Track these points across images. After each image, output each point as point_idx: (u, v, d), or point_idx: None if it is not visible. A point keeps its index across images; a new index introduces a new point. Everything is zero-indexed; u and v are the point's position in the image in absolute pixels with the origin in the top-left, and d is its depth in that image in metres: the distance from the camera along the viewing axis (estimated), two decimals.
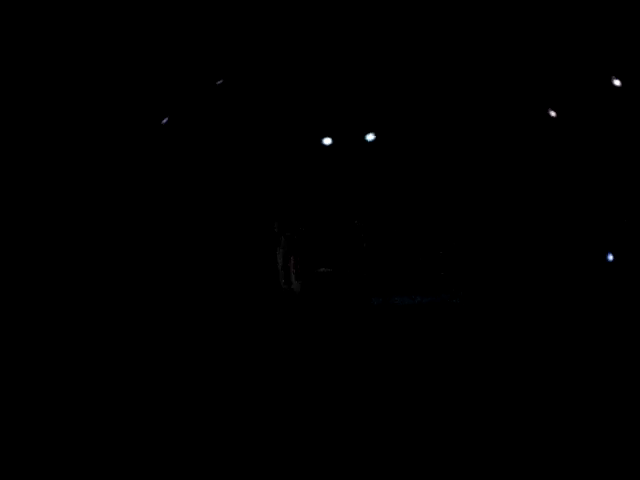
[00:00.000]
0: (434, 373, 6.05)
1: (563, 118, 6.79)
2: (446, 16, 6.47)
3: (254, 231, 6.92)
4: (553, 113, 6.67)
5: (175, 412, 5.71)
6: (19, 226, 6.19)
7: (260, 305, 6.95)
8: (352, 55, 6.43)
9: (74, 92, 6.28)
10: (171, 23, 6.19)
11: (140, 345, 6.45)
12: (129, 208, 6.71)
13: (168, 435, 5.16)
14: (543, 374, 6.01)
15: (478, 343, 6.63)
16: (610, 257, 5.96)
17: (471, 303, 7.51)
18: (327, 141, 6.42)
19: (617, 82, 6.54)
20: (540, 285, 6.86)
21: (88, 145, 6.43)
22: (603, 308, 6.62)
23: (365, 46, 6.54)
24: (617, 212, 7.11)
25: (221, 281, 6.98)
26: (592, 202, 7.00)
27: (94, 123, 6.39)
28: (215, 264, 7.05)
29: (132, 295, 6.70)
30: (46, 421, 5.12)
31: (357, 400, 5.73)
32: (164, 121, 5.96)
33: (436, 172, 6.98)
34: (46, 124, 6.34)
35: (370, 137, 7.05)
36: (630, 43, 6.51)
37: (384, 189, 7.10)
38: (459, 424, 5.25)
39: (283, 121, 6.64)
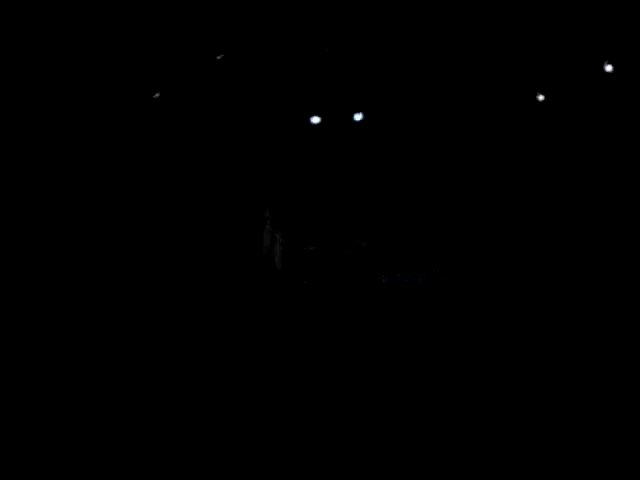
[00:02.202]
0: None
1: (555, 110, 6.81)
2: (440, 9, 6.48)
3: (244, 215, 6.97)
4: (541, 97, 6.66)
5: (166, 392, 5.65)
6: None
7: (256, 287, 6.97)
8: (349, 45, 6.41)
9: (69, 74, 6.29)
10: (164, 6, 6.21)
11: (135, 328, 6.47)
12: (118, 191, 6.78)
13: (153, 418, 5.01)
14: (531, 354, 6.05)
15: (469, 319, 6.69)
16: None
17: (461, 281, 7.59)
18: (315, 120, 6.51)
19: (609, 68, 6.47)
20: (523, 270, 6.96)
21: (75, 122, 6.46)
22: (592, 293, 6.66)
23: (360, 36, 6.56)
24: (604, 201, 7.11)
25: (212, 264, 7.04)
26: (580, 192, 7.03)
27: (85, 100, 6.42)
28: (206, 249, 7.11)
29: (126, 278, 6.74)
30: (45, 419, 4.91)
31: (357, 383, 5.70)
32: (156, 95, 6.05)
33: (429, 155, 7.05)
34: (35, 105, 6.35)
35: (358, 117, 7.11)
36: (624, 38, 6.46)
37: (380, 174, 7.19)
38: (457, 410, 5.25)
39: (270, 105, 6.73)
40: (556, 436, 4.52)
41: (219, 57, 6.51)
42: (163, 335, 6.73)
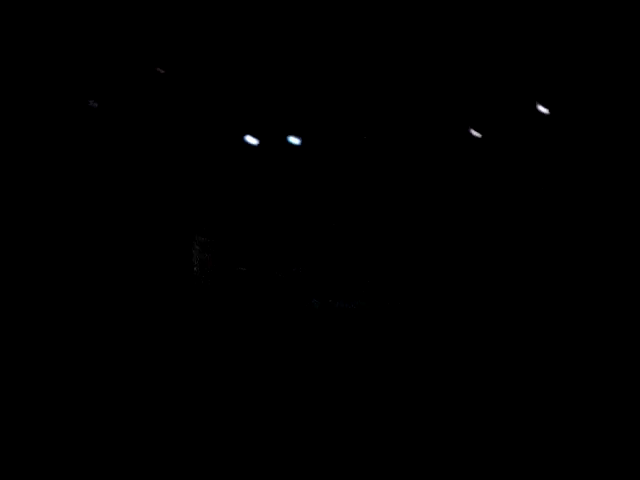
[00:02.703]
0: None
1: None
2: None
3: (171, 234, 6.90)
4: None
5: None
6: None
7: (179, 303, 6.89)
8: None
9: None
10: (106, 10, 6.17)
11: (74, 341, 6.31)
12: (48, 200, 6.61)
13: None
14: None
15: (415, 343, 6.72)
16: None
17: (405, 307, 7.61)
18: (252, 140, 6.54)
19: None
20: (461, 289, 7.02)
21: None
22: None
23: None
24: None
25: (139, 281, 6.93)
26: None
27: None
28: (132, 265, 6.99)
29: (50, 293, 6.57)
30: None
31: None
32: (92, 104, 5.99)
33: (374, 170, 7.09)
34: None
35: (295, 140, 7.17)
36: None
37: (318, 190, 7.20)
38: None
39: (202, 122, 6.69)
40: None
41: (162, 71, 6.50)
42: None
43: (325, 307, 8.88)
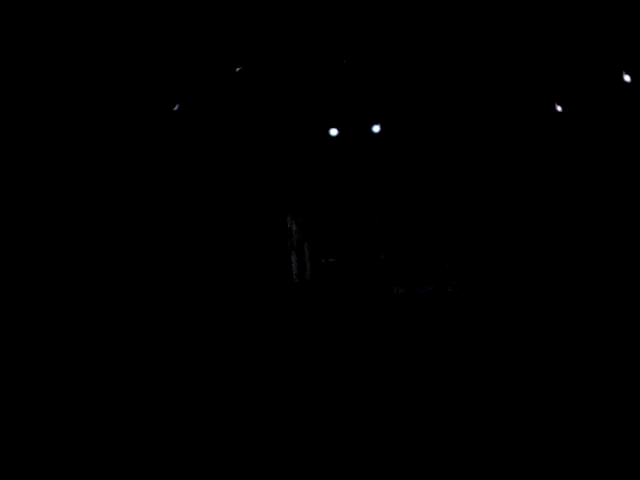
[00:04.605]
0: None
1: (570, 114, 6.85)
2: (456, 13, 6.54)
3: (266, 225, 6.97)
4: (559, 108, 6.71)
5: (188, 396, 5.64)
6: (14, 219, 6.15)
7: (275, 296, 6.98)
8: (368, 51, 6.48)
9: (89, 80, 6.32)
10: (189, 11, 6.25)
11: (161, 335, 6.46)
12: (139, 200, 6.77)
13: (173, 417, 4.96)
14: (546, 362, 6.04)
15: (486, 330, 6.67)
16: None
17: (479, 293, 7.59)
18: (334, 132, 6.55)
19: (627, 78, 6.55)
20: (539, 278, 6.97)
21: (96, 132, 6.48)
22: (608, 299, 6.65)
23: (377, 41, 6.62)
24: (623, 208, 7.14)
25: (235, 274, 7.03)
26: (600, 198, 7.04)
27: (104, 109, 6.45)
28: (228, 257, 7.10)
29: (148, 289, 6.72)
30: (46, 418, 4.84)
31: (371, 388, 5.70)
32: (176, 107, 6.08)
33: (446, 164, 7.09)
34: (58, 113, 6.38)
35: (376, 128, 7.15)
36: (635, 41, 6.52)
37: (398, 180, 7.22)
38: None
39: (291, 113, 6.75)
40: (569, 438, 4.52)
41: (238, 69, 6.55)
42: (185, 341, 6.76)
43: (408, 293, 8.87)
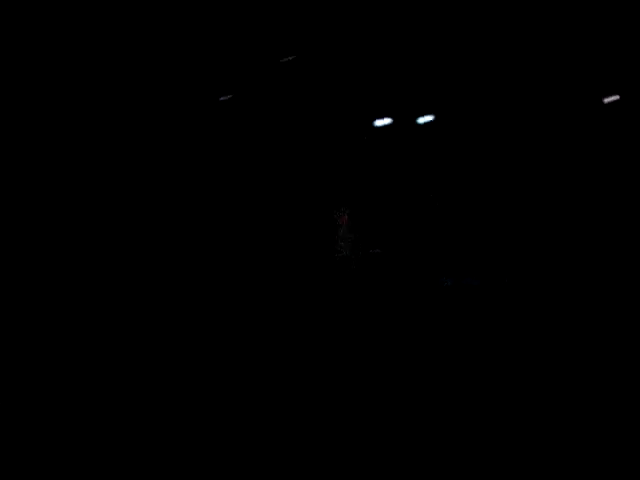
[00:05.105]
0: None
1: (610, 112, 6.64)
2: (507, 13, 6.42)
3: (313, 216, 7.00)
4: (611, 98, 6.51)
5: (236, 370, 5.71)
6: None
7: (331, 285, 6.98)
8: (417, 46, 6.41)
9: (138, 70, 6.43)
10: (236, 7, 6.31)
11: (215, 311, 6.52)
12: (191, 188, 6.84)
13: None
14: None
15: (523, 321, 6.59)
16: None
17: (518, 285, 7.48)
18: (379, 122, 6.51)
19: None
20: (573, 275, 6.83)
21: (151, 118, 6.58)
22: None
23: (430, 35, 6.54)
24: None
25: (282, 265, 7.08)
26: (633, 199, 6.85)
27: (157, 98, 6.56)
28: (277, 248, 7.15)
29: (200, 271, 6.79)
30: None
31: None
32: (224, 98, 6.13)
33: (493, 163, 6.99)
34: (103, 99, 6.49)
35: (423, 119, 7.08)
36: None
37: (446, 174, 7.16)
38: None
39: (342, 103, 6.73)
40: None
41: (285, 60, 6.59)
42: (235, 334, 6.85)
43: (455, 285, 8.79)
